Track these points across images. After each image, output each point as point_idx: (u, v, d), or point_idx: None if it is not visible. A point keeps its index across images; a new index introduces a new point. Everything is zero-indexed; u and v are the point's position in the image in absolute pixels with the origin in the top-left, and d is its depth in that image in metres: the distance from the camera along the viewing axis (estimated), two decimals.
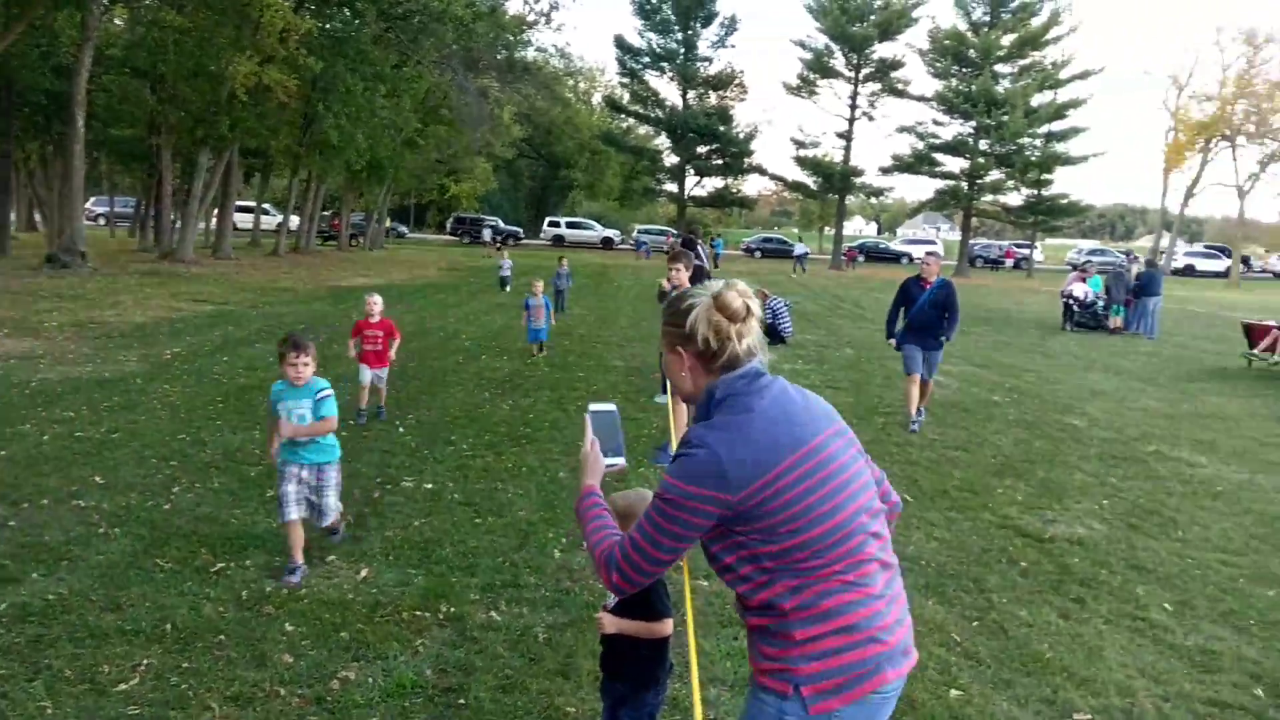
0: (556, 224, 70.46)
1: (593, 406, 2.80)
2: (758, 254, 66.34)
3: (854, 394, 12.79)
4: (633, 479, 7.98)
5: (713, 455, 2.30)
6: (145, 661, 4.38)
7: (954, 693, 4.50)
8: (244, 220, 53.30)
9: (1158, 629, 5.38)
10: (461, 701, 4.18)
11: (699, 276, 9.45)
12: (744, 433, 2.33)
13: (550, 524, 6.65)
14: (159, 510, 6.57)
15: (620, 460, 2.71)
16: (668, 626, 3.44)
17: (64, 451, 8.02)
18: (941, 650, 4.96)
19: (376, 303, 9.97)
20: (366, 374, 9.78)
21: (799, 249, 53.62)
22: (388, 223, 63.00)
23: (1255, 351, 18.05)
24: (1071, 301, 24.66)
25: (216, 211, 39.67)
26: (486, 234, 60.64)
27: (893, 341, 11.07)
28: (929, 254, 11.00)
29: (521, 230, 70.24)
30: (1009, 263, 65.08)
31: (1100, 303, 24.57)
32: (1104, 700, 4.52)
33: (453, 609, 5.16)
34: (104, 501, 6.71)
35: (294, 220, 45.69)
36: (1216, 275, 60.87)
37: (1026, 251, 60.92)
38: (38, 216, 49.97)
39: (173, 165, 36.53)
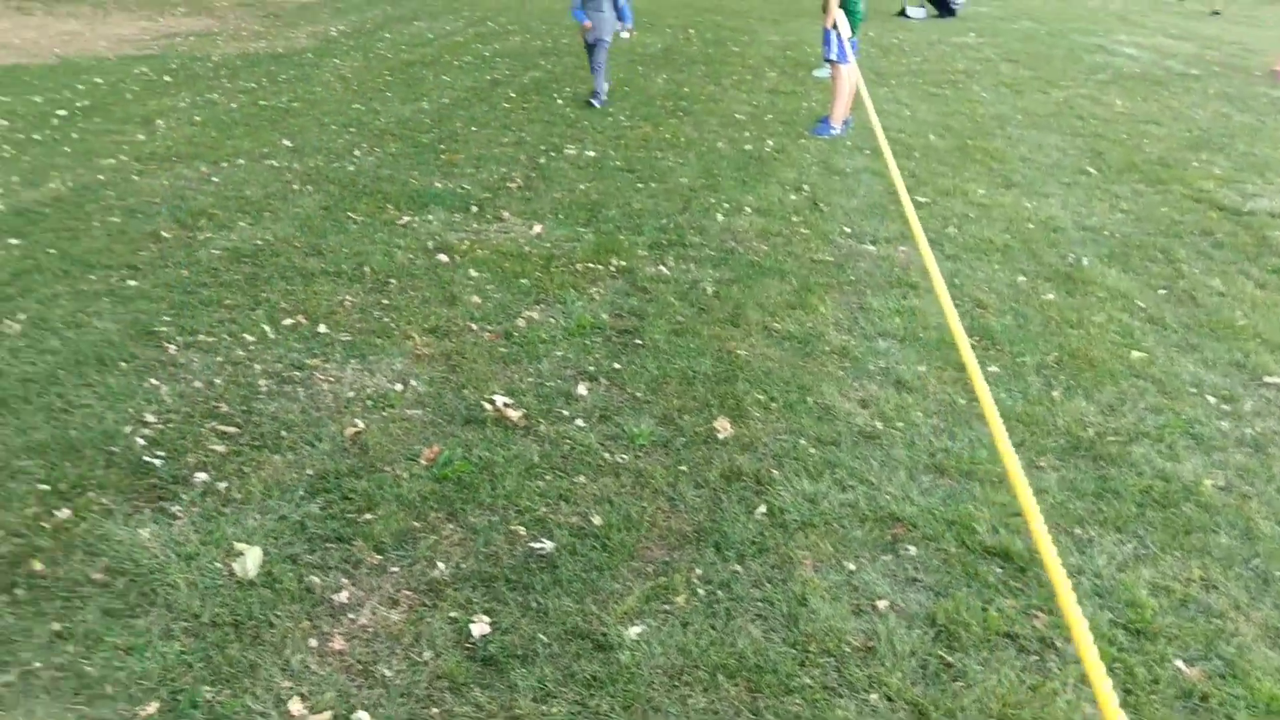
0: None
1: None
2: None
3: (1032, 68, 12.08)
4: (790, 150, 7.88)
5: None
6: (348, 299, 4.74)
7: (1135, 354, 4.40)
8: None
9: None
10: (638, 342, 4.42)
11: None
12: None
13: (712, 190, 6.69)
14: (344, 171, 6.89)
15: None
16: None
17: (251, 119, 8.40)
18: (1124, 315, 4.83)
19: None
20: None
21: None
22: None
23: None
24: None
25: None
26: None
27: None
28: None
29: None
30: None
31: None
32: None
33: (623, 263, 5.34)
34: (294, 162, 7.08)
35: None
36: None
37: None
38: None
39: None
